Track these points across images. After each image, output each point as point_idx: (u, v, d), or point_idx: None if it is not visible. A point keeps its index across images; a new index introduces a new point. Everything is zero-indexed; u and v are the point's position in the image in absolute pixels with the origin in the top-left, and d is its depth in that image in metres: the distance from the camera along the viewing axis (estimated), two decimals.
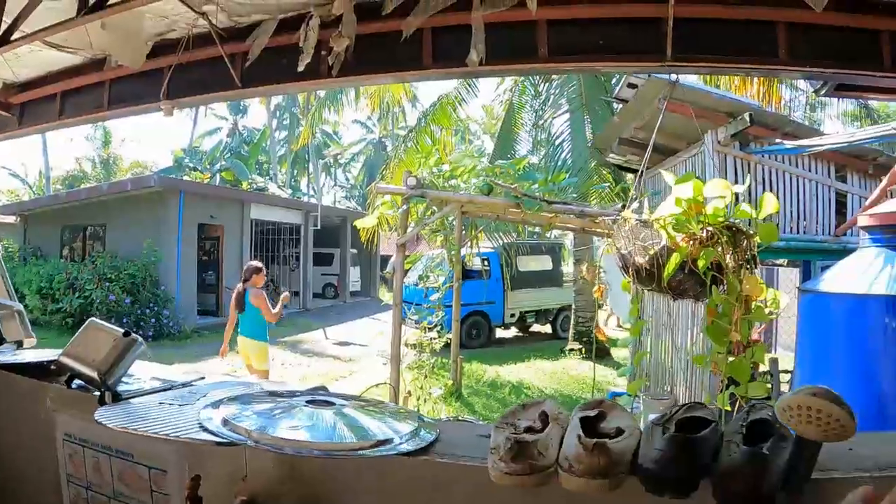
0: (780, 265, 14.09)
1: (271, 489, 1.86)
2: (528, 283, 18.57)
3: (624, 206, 8.12)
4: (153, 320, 17.00)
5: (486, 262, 17.97)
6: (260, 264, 8.85)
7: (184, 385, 2.51)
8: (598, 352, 15.75)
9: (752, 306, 2.86)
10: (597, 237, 11.39)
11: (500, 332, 19.14)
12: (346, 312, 24.09)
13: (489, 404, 10.94)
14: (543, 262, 19.43)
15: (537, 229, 18.16)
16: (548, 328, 19.86)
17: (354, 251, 28.94)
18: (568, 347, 16.38)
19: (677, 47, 2.76)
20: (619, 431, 1.51)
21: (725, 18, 2.82)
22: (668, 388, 8.95)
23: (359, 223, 9.91)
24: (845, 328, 4.44)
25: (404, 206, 8.12)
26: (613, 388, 11.88)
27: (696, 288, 2.89)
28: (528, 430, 1.55)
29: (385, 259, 30.32)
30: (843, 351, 4.43)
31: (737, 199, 3.01)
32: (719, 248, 2.75)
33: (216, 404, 2.05)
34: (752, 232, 2.91)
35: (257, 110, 47.97)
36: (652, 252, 2.81)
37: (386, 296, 29.88)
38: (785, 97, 16.32)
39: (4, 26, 3.31)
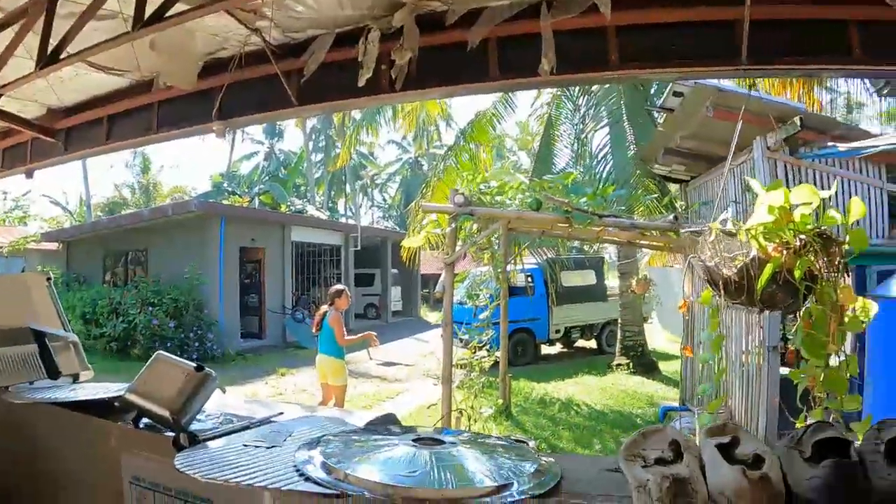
0: None
1: None
2: (573, 298, 18.35)
3: (676, 218, 7.96)
4: (197, 344, 16.99)
5: (529, 279, 17.73)
6: (342, 287, 9.17)
7: (262, 423, 2.34)
8: (647, 366, 15.63)
9: (845, 316, 2.72)
10: (640, 250, 11.19)
11: (545, 349, 18.96)
12: (388, 332, 23.96)
13: (539, 422, 10.81)
14: (587, 277, 19.21)
15: (576, 244, 17.92)
16: (593, 343, 19.64)
17: (395, 271, 28.94)
18: (615, 362, 16.15)
19: (752, 50, 2.64)
20: (759, 458, 1.43)
21: (795, 19, 2.72)
22: (724, 401, 8.73)
23: (405, 243, 9.86)
24: None
25: (452, 225, 8.01)
26: (665, 402, 11.71)
27: (787, 299, 2.75)
28: (660, 461, 1.48)
29: (425, 278, 30.20)
30: None
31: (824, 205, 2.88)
32: (811, 257, 2.61)
33: (311, 445, 1.91)
34: (841, 239, 2.77)
35: (293, 133, 48.73)
36: (740, 263, 2.68)
37: (429, 315, 29.92)
38: (822, 100, 15.96)
39: (50, 47, 3.25)
